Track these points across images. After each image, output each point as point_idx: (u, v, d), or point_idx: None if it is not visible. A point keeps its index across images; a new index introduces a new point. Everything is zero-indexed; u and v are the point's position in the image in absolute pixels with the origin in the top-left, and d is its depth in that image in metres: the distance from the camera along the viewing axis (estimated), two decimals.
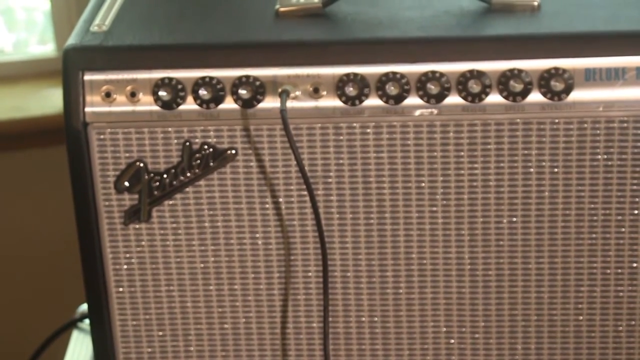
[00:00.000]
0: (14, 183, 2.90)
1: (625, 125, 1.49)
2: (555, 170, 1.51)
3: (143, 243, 1.58)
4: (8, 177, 2.89)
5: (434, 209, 1.54)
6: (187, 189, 1.55)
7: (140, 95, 1.51)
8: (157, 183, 1.54)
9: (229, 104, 1.51)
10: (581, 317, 1.59)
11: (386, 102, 1.49)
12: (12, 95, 2.92)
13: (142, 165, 1.53)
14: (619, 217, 1.53)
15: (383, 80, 1.49)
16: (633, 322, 1.58)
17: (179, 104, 1.51)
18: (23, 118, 2.83)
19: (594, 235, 1.54)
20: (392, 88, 1.49)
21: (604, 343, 1.60)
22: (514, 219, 1.54)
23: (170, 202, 1.56)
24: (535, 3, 1.57)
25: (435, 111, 1.50)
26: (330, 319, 1.59)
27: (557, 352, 1.61)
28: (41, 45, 3.12)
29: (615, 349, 1.60)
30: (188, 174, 1.54)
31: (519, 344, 1.61)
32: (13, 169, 2.88)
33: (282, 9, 1.59)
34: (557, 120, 1.49)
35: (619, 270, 1.56)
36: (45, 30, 3.07)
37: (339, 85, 1.49)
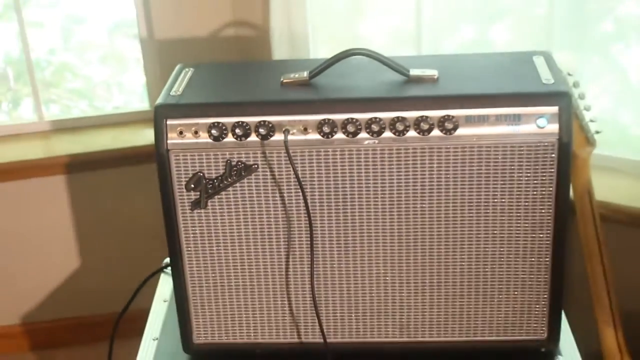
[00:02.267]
0: (125, 188, 2.90)
1: (489, 150, 1.51)
2: (448, 176, 1.53)
3: (202, 221, 1.59)
4: (121, 184, 2.90)
5: (376, 201, 1.56)
6: (229, 189, 1.56)
7: (200, 133, 1.53)
8: (211, 185, 1.56)
9: (253, 137, 1.53)
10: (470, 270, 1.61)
11: (347, 136, 1.52)
12: (123, 133, 2.92)
13: (201, 174, 1.55)
14: (486, 205, 1.55)
15: (345, 123, 1.51)
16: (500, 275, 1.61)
17: (223, 138, 1.53)
18: (129, 147, 2.83)
19: (470, 215, 1.56)
20: (351, 127, 1.51)
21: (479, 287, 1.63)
22: (424, 205, 1.55)
23: (219, 197, 1.57)
24: (435, 76, 1.58)
25: (376, 142, 1.52)
26: (315, 269, 1.62)
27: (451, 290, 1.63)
28: (140, 103, 3.12)
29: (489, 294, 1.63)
30: (229, 180, 1.56)
31: (427, 286, 1.63)
32: (125, 179, 2.89)
33: (284, 80, 1.61)
34: (449, 147, 1.51)
35: (477, 237, 1.57)
36: (143, 94, 3.08)
37: (319, 126, 1.52)
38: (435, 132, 1.51)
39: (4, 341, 3.02)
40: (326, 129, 1.52)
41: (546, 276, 1.60)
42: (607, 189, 2.25)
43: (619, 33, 2.40)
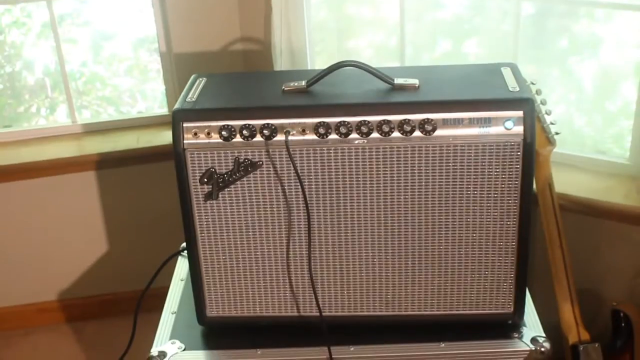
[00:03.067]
0: (147, 182, 2.89)
1: (463, 148, 1.51)
2: (427, 171, 1.53)
3: (214, 210, 1.59)
4: (143, 178, 2.88)
5: (365, 192, 1.55)
6: (237, 183, 1.56)
7: (212, 134, 1.53)
8: (221, 179, 1.56)
9: (258, 138, 1.52)
10: (442, 247, 1.61)
11: (340, 136, 1.51)
12: (146, 135, 2.91)
13: (213, 170, 1.55)
14: (460, 196, 1.54)
15: (338, 125, 1.51)
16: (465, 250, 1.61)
17: (232, 138, 1.52)
18: (151, 146, 2.81)
19: (447, 205, 1.56)
20: (343, 129, 1.51)
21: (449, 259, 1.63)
22: (407, 197, 1.55)
23: (228, 189, 1.57)
24: (416, 84, 1.58)
25: (365, 141, 1.52)
26: (312, 252, 1.62)
27: (430, 264, 1.63)
28: (160, 109, 3.12)
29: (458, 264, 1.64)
30: (237, 175, 1.55)
31: (411, 260, 1.63)
32: (147, 174, 2.87)
33: (285, 88, 1.61)
34: (428, 146, 1.51)
35: (453, 224, 1.58)
36: (163, 100, 3.07)
37: (315, 128, 1.51)
38: (417, 133, 1.50)
39: (43, 314, 3.02)
40: (322, 131, 1.51)
41: (512, 258, 1.60)
42: (565, 182, 2.25)
43: (574, 48, 2.40)
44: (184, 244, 1.96)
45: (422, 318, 1.66)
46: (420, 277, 1.63)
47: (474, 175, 1.53)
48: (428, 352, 1.62)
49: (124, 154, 2.81)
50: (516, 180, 1.53)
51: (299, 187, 1.55)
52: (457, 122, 1.50)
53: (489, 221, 1.57)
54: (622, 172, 2.33)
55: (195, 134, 1.53)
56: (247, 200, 1.57)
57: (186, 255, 1.68)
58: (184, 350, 1.66)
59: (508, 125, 1.49)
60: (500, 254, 1.60)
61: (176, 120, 1.54)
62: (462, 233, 1.58)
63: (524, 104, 1.50)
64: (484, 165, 1.52)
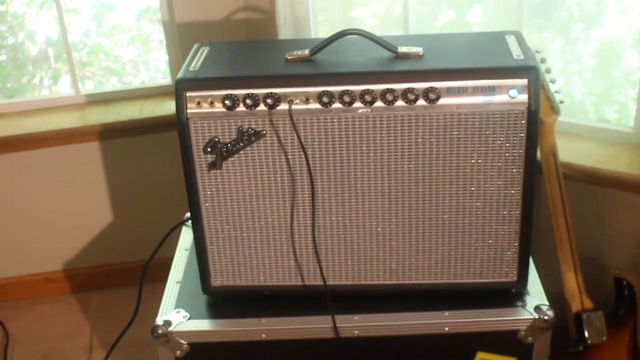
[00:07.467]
0: (150, 152, 2.89)
1: (467, 117, 1.50)
2: (432, 140, 1.52)
3: (218, 180, 1.58)
4: (147, 148, 2.89)
5: (369, 162, 1.55)
6: (240, 152, 1.55)
7: (215, 103, 1.52)
8: (225, 149, 1.55)
9: (262, 107, 1.51)
10: (445, 217, 1.61)
11: (343, 105, 1.50)
12: (149, 105, 2.90)
13: (217, 139, 1.54)
14: (464, 165, 1.54)
15: (342, 94, 1.50)
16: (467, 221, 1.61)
17: (236, 107, 1.52)
18: (154, 116, 2.81)
19: (451, 174, 1.55)
20: (346, 98, 1.50)
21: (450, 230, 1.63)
22: (411, 166, 1.55)
23: (232, 159, 1.56)
24: (420, 53, 1.57)
25: (369, 110, 1.50)
26: (316, 221, 1.61)
27: (434, 237, 1.63)
28: (163, 79, 3.10)
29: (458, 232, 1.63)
30: (241, 144, 1.55)
31: (414, 230, 1.63)
32: (150, 144, 2.88)
33: (289, 57, 1.60)
34: (432, 114, 1.50)
35: (457, 193, 1.57)
36: (166, 70, 3.06)
37: (319, 97, 1.50)
38: (421, 102, 1.50)
39: (48, 285, 3.04)
40: (325, 99, 1.50)
41: (516, 227, 1.60)
42: (569, 151, 2.25)
43: (578, 17, 2.38)
44: (188, 214, 1.96)
45: (426, 287, 1.67)
46: (424, 246, 1.62)
47: (478, 143, 1.52)
48: (432, 320, 1.63)
49: (127, 124, 2.81)
50: (520, 149, 1.52)
51: (303, 156, 1.54)
52: (461, 91, 1.49)
53: (492, 190, 1.56)
54: (626, 140, 2.32)
55: (199, 103, 1.52)
56: (250, 170, 1.57)
57: (190, 225, 1.67)
58: (189, 319, 1.67)
59: (512, 94, 1.48)
60: (504, 223, 1.59)
61: (179, 89, 1.53)
62: (466, 202, 1.57)
63: (529, 72, 1.49)
64: (488, 133, 1.51)
